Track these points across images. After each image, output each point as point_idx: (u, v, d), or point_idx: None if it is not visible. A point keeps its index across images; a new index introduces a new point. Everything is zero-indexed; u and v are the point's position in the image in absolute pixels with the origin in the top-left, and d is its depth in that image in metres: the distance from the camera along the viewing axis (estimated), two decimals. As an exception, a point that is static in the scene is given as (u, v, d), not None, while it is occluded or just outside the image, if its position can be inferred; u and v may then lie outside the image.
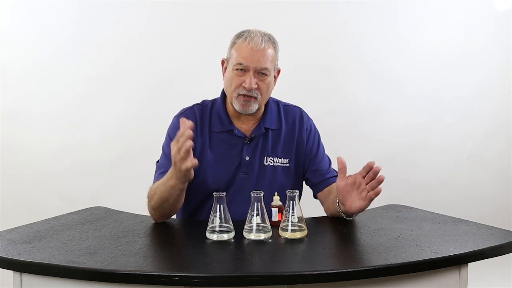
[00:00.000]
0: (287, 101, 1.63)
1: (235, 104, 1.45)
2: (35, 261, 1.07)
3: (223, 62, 1.53)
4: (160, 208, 1.35)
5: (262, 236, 1.21)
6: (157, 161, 1.50)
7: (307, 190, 1.58)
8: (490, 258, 1.16)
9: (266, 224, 1.22)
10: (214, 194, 1.22)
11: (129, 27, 2.97)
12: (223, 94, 1.54)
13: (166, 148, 1.48)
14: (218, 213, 1.21)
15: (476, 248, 1.14)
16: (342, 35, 3.15)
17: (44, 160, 2.93)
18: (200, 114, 1.51)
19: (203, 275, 1.00)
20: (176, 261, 1.12)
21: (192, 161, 1.20)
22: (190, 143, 1.17)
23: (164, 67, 3.01)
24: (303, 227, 1.23)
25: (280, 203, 1.32)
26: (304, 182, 1.59)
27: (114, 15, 2.96)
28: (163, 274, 1.00)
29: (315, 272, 1.01)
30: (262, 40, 1.42)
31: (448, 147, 3.27)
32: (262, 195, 1.22)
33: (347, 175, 1.30)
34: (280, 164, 1.51)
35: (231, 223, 1.22)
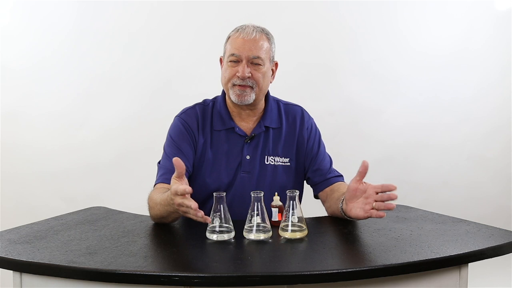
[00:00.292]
0: (287, 100, 1.62)
1: (231, 95, 1.46)
2: (35, 261, 1.07)
3: (221, 60, 1.54)
4: (159, 220, 1.36)
5: (262, 236, 1.21)
6: (159, 162, 1.50)
7: (307, 190, 1.58)
8: (490, 258, 1.16)
9: (266, 224, 1.22)
10: (214, 194, 1.22)
11: (129, 27, 2.97)
12: (224, 92, 1.54)
13: (168, 149, 1.48)
14: (218, 213, 1.21)
15: (476, 248, 1.14)
16: (342, 35, 3.15)
17: (44, 160, 2.93)
18: (201, 113, 1.51)
19: (203, 275, 0.99)
20: (176, 261, 1.11)
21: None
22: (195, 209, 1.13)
23: (164, 67, 3.01)
24: (303, 227, 1.22)
25: (280, 203, 1.32)
26: (305, 181, 1.59)
27: (114, 15, 2.96)
28: (163, 274, 1.00)
29: (315, 272, 1.01)
30: (253, 30, 1.45)
31: (448, 147, 3.27)
32: (262, 195, 1.22)
33: (363, 180, 1.27)
34: (280, 163, 1.51)
35: (231, 223, 1.22)
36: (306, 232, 1.23)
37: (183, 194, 1.11)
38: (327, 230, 1.34)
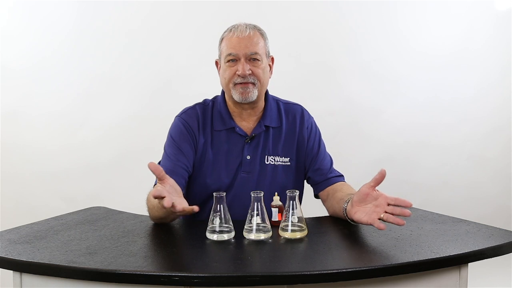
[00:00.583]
0: (287, 100, 1.62)
1: (234, 95, 1.45)
2: (35, 261, 1.07)
3: (216, 63, 1.55)
4: (159, 220, 1.36)
5: (262, 236, 1.21)
6: (159, 162, 1.50)
7: (307, 190, 1.58)
8: (490, 258, 1.16)
9: (266, 224, 1.22)
10: (214, 194, 1.22)
11: (129, 27, 2.97)
12: (223, 93, 1.54)
13: (168, 149, 1.48)
14: (218, 213, 1.21)
15: (476, 248, 1.14)
16: (342, 35, 3.15)
17: (44, 160, 2.93)
18: (202, 113, 1.51)
19: (203, 275, 0.99)
20: (176, 261, 1.11)
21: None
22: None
23: (164, 67, 3.01)
24: (303, 227, 1.22)
25: (280, 203, 1.32)
26: (305, 181, 1.59)
27: (114, 15, 2.96)
28: (163, 274, 1.00)
29: (315, 272, 1.01)
30: (247, 28, 1.45)
31: (448, 147, 3.28)
32: (262, 195, 1.22)
33: (376, 187, 1.24)
34: (280, 163, 1.51)
35: (231, 223, 1.22)
36: (306, 232, 1.23)
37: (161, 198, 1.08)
38: (327, 230, 1.33)
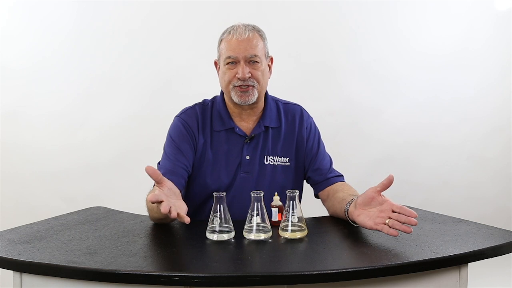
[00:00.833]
0: (286, 100, 1.62)
1: (233, 97, 1.45)
2: (35, 261, 1.07)
3: (215, 63, 1.54)
4: (158, 221, 1.36)
5: (262, 236, 1.21)
6: (159, 162, 1.50)
7: (307, 190, 1.58)
8: (490, 258, 1.16)
9: (266, 224, 1.22)
10: (214, 194, 1.22)
11: (129, 27, 2.97)
12: (222, 93, 1.54)
13: (168, 149, 1.48)
14: (218, 213, 1.21)
15: (476, 248, 1.14)
16: (342, 35, 3.15)
17: (44, 160, 2.93)
18: (201, 113, 1.51)
19: (203, 275, 0.99)
20: (176, 261, 1.11)
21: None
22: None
23: (164, 67, 3.01)
24: (303, 227, 1.22)
25: (280, 203, 1.32)
26: (305, 181, 1.59)
27: (114, 15, 2.96)
28: (163, 274, 1.00)
29: (315, 272, 1.01)
30: (246, 29, 1.44)
31: (448, 147, 3.28)
32: (262, 195, 1.22)
33: (382, 192, 1.23)
34: (280, 163, 1.51)
35: (231, 223, 1.22)
36: (306, 232, 1.23)
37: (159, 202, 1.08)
38: (327, 230, 1.33)
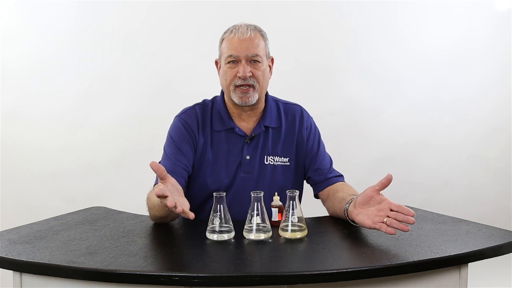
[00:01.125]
0: (286, 100, 1.62)
1: (234, 98, 1.45)
2: (35, 261, 1.07)
3: (216, 62, 1.54)
4: (159, 220, 1.36)
5: (262, 236, 1.21)
6: (159, 162, 1.49)
7: (307, 190, 1.58)
8: (490, 258, 1.16)
9: (266, 224, 1.22)
10: (214, 194, 1.22)
11: (129, 26, 2.97)
12: (223, 93, 1.54)
13: (168, 149, 1.48)
14: (218, 213, 1.21)
15: (476, 248, 1.14)
16: (342, 35, 3.15)
17: (44, 160, 2.93)
18: (201, 113, 1.51)
19: (203, 275, 0.99)
20: (176, 261, 1.11)
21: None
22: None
23: (164, 67, 3.01)
24: (303, 227, 1.22)
25: (280, 203, 1.32)
26: (305, 181, 1.59)
27: (113, 15, 2.96)
28: (163, 274, 1.00)
29: (315, 272, 1.01)
30: (247, 29, 1.44)
31: (448, 147, 3.28)
32: (262, 195, 1.22)
33: (381, 191, 1.23)
34: (280, 163, 1.51)
35: (231, 223, 1.22)
36: (306, 232, 1.23)
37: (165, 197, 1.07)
38: (327, 230, 1.33)
